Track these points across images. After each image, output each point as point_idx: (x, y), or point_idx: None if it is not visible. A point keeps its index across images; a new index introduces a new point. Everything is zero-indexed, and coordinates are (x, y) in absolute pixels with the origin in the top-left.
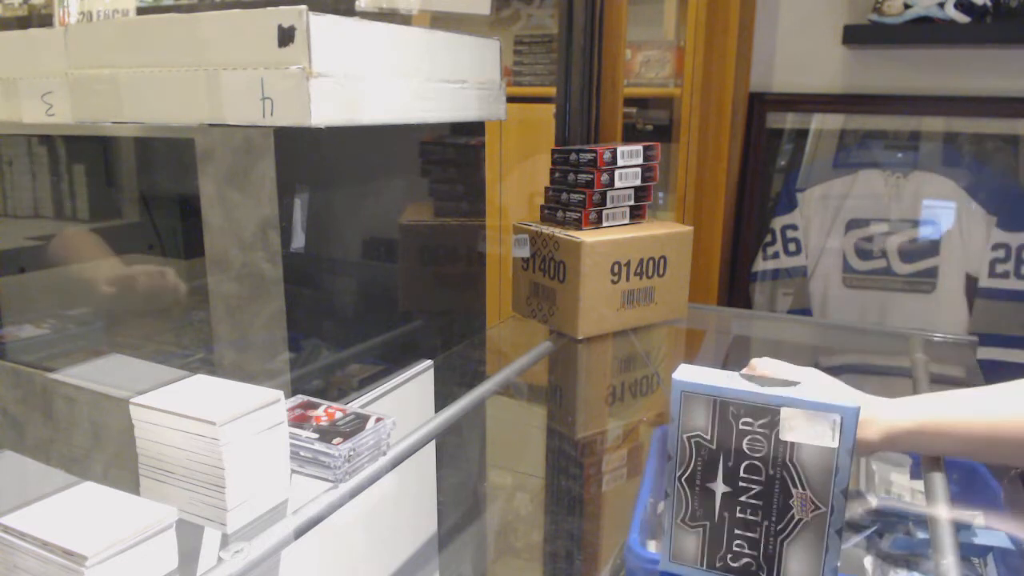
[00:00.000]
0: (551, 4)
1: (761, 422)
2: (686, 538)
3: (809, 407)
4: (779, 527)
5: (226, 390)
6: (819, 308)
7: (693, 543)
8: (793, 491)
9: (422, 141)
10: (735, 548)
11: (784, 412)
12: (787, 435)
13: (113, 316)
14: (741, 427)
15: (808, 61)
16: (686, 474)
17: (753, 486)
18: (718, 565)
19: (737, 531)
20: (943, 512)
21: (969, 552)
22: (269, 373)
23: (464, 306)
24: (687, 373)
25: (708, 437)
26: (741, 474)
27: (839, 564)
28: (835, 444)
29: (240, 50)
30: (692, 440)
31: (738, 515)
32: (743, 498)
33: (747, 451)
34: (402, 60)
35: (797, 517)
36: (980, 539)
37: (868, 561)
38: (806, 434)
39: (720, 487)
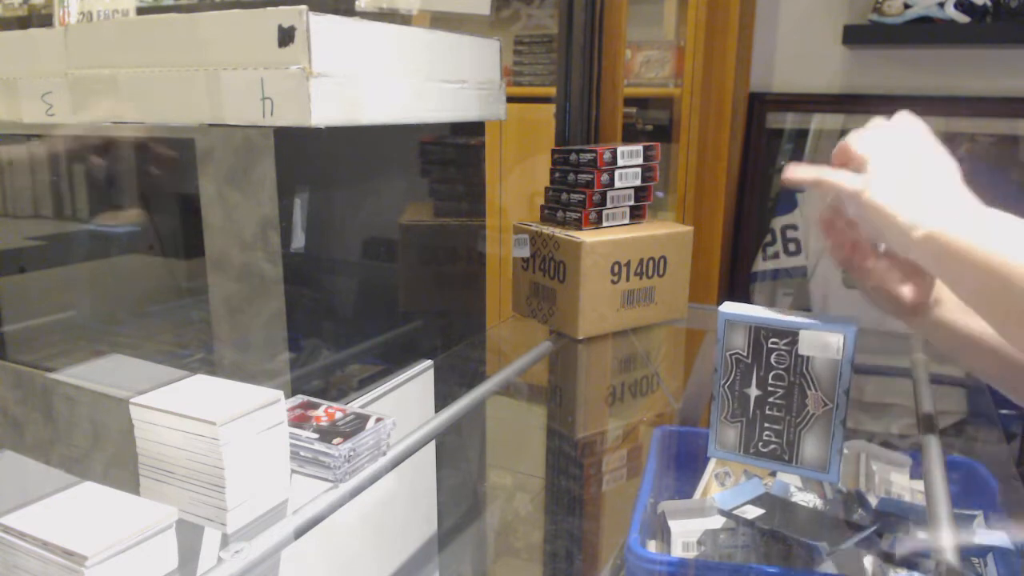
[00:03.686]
0: (551, 4)
1: (784, 341)
2: (728, 431)
3: (820, 329)
4: (798, 420)
5: (226, 390)
6: (819, 308)
7: (733, 435)
8: (808, 393)
9: (422, 141)
10: (765, 437)
11: (802, 334)
12: (804, 351)
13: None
14: (770, 346)
15: (808, 61)
16: (728, 382)
17: (778, 390)
18: (752, 451)
19: (766, 424)
20: (943, 512)
21: (969, 552)
22: (269, 373)
23: (464, 306)
24: (730, 307)
25: (745, 354)
26: (769, 381)
27: (843, 449)
28: (839, 357)
29: (240, 50)
30: (732, 356)
31: (767, 412)
32: (771, 399)
33: (774, 364)
34: (402, 60)
35: (811, 412)
36: (980, 539)
37: (868, 561)
38: (818, 349)
39: (753, 391)
